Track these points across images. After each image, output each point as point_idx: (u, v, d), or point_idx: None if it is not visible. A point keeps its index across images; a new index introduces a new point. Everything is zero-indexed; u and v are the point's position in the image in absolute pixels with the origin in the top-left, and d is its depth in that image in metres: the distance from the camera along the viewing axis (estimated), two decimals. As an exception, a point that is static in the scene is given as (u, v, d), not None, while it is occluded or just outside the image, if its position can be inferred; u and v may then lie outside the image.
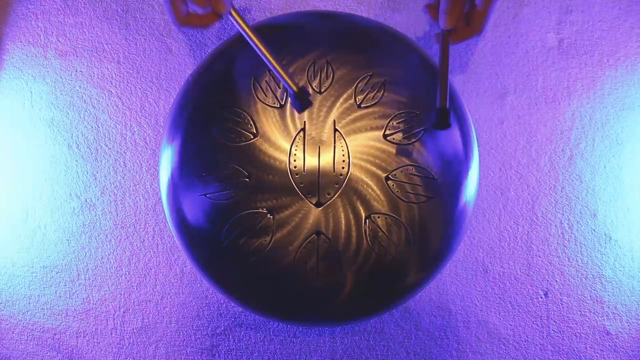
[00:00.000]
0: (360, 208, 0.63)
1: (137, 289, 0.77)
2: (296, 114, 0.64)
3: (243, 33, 0.61)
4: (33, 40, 0.79)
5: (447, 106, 0.61)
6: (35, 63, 0.79)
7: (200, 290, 0.77)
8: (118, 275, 0.77)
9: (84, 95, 0.79)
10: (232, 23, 0.62)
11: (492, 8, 0.62)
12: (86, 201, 0.78)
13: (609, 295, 0.77)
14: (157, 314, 0.77)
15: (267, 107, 0.65)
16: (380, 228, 0.63)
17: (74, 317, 0.77)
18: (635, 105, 0.78)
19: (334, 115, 0.64)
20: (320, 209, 0.63)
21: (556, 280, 0.77)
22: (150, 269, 0.77)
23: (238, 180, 0.63)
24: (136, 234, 0.77)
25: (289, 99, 0.64)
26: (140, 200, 0.78)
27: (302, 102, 0.63)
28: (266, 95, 0.65)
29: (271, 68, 0.62)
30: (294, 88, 0.61)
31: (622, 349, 0.77)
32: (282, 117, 0.64)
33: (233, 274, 0.65)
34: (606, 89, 0.78)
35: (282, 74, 0.61)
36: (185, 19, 0.61)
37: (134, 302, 0.77)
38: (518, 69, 0.79)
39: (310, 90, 0.65)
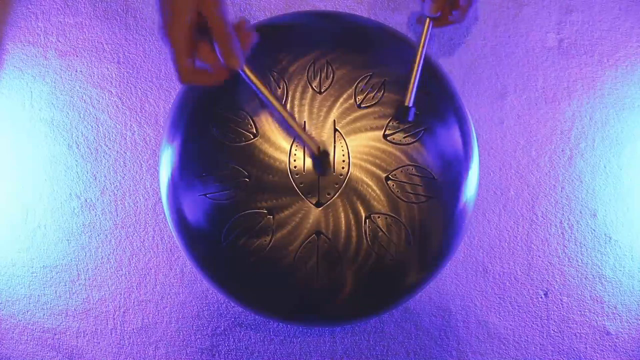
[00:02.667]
0: (360, 208, 0.63)
1: (137, 289, 0.77)
2: (296, 114, 0.64)
3: (258, 93, 0.59)
4: (33, 40, 0.79)
5: (411, 104, 0.62)
6: (35, 63, 0.79)
7: (200, 290, 0.77)
8: (118, 275, 0.77)
9: (84, 95, 0.79)
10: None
11: None
12: (86, 201, 0.78)
13: (609, 295, 0.77)
14: (157, 314, 0.77)
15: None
16: (380, 228, 0.63)
17: (74, 317, 0.77)
18: (635, 105, 0.78)
19: (334, 115, 0.64)
20: (320, 209, 0.63)
21: (556, 280, 0.77)
22: (150, 269, 0.77)
23: (238, 180, 0.63)
24: (136, 234, 0.77)
25: (311, 159, 0.63)
26: (140, 200, 0.78)
27: (323, 164, 0.62)
28: (266, 95, 0.65)
29: (290, 129, 0.60)
30: (315, 151, 0.61)
31: (622, 349, 0.77)
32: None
33: (233, 274, 0.65)
34: (606, 89, 0.78)
35: (304, 137, 0.61)
36: (191, 76, 0.54)
37: (134, 302, 0.77)
38: (518, 69, 0.79)
39: (310, 90, 0.65)
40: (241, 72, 0.57)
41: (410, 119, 0.63)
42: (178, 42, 0.53)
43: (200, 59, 0.55)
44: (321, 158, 0.62)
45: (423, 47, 0.63)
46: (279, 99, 0.59)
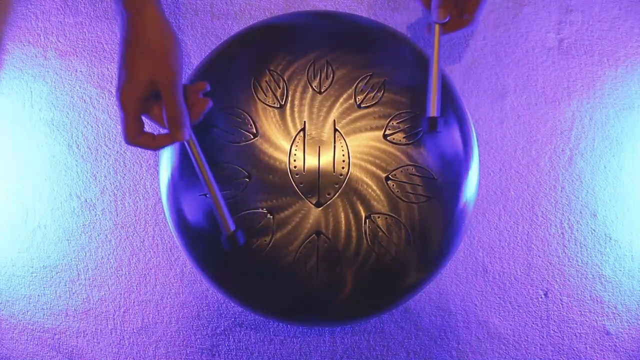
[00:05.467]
0: (360, 208, 0.63)
1: (137, 289, 0.77)
2: (296, 114, 0.64)
3: (195, 165, 0.58)
4: (33, 40, 0.79)
5: (437, 113, 0.61)
6: (35, 63, 0.79)
7: (200, 290, 0.77)
8: (118, 275, 0.77)
9: (84, 95, 0.79)
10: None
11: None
12: (86, 201, 0.78)
13: (609, 295, 0.77)
14: (157, 314, 0.77)
15: (267, 107, 0.65)
16: (380, 228, 0.63)
17: (74, 317, 0.77)
18: (635, 105, 0.78)
19: (334, 115, 0.64)
20: (320, 209, 0.63)
21: (556, 280, 0.77)
22: (150, 269, 0.77)
23: (238, 180, 0.63)
24: (136, 234, 0.77)
25: (221, 237, 0.60)
26: (140, 200, 0.78)
27: (231, 245, 0.59)
28: (266, 95, 0.65)
29: (213, 205, 0.59)
30: (228, 230, 0.59)
31: (622, 349, 0.77)
32: (282, 117, 0.64)
33: (233, 274, 0.65)
34: (606, 89, 0.78)
35: (221, 214, 0.59)
36: (136, 139, 0.56)
37: (134, 302, 0.77)
38: (518, 69, 0.79)
39: (310, 90, 0.65)
40: (185, 143, 0.58)
41: (440, 129, 0.62)
42: (127, 108, 0.55)
43: (150, 118, 0.58)
44: (229, 240, 0.59)
45: (437, 54, 0.62)
46: (212, 178, 0.59)
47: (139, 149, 0.78)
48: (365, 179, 0.63)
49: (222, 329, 0.77)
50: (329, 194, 0.63)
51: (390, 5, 0.79)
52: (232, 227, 0.59)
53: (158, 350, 0.77)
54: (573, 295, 0.77)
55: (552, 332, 0.77)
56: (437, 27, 0.63)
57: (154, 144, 0.58)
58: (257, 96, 0.65)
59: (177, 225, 0.66)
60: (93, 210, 0.78)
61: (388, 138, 0.64)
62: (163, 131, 0.58)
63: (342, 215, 0.63)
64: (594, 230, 0.77)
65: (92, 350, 0.77)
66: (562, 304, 0.77)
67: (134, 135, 0.56)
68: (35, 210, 0.78)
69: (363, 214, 0.63)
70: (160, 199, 0.77)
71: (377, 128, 0.64)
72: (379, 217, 0.63)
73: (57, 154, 0.78)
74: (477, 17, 0.63)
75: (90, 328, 0.77)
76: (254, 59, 0.66)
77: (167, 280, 0.77)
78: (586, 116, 0.78)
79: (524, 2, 0.79)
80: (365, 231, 0.63)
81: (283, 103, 0.65)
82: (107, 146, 0.78)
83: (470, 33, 0.79)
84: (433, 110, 0.61)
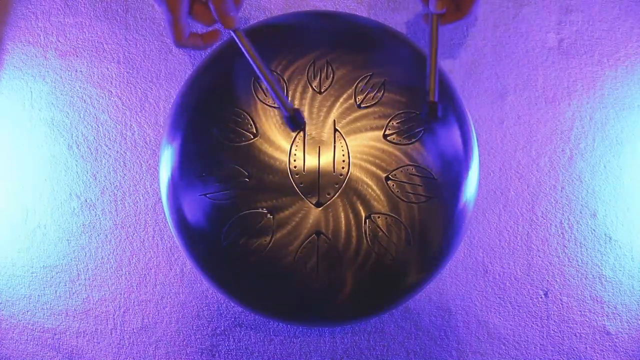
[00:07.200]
0: (360, 208, 0.63)
1: (137, 289, 0.77)
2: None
3: (246, 53, 0.60)
4: (33, 40, 0.79)
5: (436, 99, 0.62)
6: (35, 63, 0.79)
7: (200, 290, 0.77)
8: (118, 275, 0.77)
9: (84, 95, 0.79)
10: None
11: None
12: (86, 201, 0.78)
13: (609, 295, 0.77)
14: (157, 314, 0.77)
15: (267, 107, 0.65)
16: (380, 228, 0.63)
17: (74, 317, 0.77)
18: (635, 105, 0.78)
19: (334, 115, 0.64)
20: (320, 209, 0.63)
21: (556, 280, 0.77)
22: (150, 269, 0.77)
23: (238, 180, 0.63)
24: (136, 234, 0.77)
25: (284, 119, 0.63)
26: (140, 200, 0.78)
27: (294, 124, 0.63)
28: (266, 95, 0.65)
29: (270, 90, 0.61)
30: (289, 111, 0.62)
31: (622, 349, 0.77)
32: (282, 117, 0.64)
33: (233, 274, 0.65)
34: (606, 89, 0.78)
35: (280, 97, 0.61)
36: (186, 40, 0.58)
37: (134, 302, 0.77)
38: (518, 69, 0.79)
39: (310, 90, 0.65)
40: (233, 34, 0.59)
41: (440, 114, 0.62)
42: (175, 8, 0.55)
43: (195, 19, 0.58)
44: (291, 117, 0.62)
45: (436, 41, 0.62)
46: (266, 66, 0.61)
47: (138, 151, 0.78)
48: (365, 179, 0.63)
49: (222, 329, 0.77)
50: (329, 194, 0.63)
51: (390, 5, 0.79)
52: (291, 106, 0.62)
53: (158, 350, 0.77)
54: (573, 295, 0.77)
55: (552, 332, 0.77)
56: (434, 17, 0.63)
57: (204, 41, 0.59)
58: (257, 96, 0.65)
59: (177, 225, 0.66)
60: (93, 210, 0.78)
61: (388, 138, 0.64)
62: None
63: (342, 215, 0.63)
64: (594, 230, 0.77)
65: (92, 350, 0.77)
66: (562, 304, 0.77)
67: (183, 37, 0.57)
68: (35, 210, 0.78)
69: (363, 214, 0.63)
70: (160, 199, 0.77)
71: (377, 128, 0.64)
72: (379, 217, 0.63)
73: (57, 154, 0.78)
74: (473, 10, 0.64)
75: (90, 328, 0.77)
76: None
77: (167, 280, 0.77)
78: (586, 116, 0.78)
79: (524, 2, 0.79)
80: (365, 231, 0.63)
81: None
82: (107, 146, 0.78)
83: (470, 33, 0.79)
84: (432, 95, 0.61)
